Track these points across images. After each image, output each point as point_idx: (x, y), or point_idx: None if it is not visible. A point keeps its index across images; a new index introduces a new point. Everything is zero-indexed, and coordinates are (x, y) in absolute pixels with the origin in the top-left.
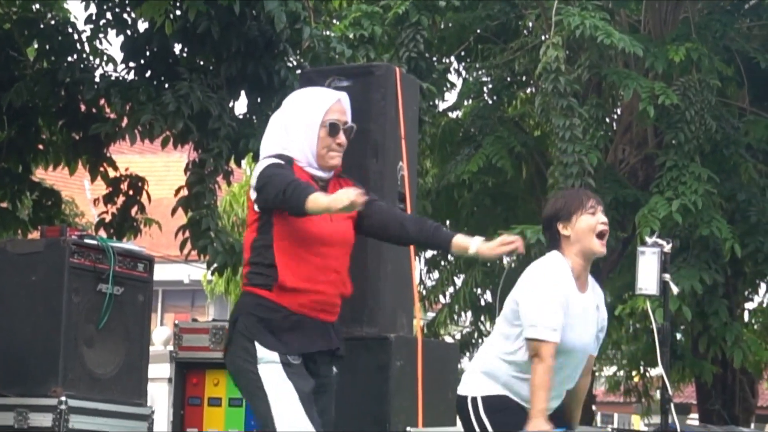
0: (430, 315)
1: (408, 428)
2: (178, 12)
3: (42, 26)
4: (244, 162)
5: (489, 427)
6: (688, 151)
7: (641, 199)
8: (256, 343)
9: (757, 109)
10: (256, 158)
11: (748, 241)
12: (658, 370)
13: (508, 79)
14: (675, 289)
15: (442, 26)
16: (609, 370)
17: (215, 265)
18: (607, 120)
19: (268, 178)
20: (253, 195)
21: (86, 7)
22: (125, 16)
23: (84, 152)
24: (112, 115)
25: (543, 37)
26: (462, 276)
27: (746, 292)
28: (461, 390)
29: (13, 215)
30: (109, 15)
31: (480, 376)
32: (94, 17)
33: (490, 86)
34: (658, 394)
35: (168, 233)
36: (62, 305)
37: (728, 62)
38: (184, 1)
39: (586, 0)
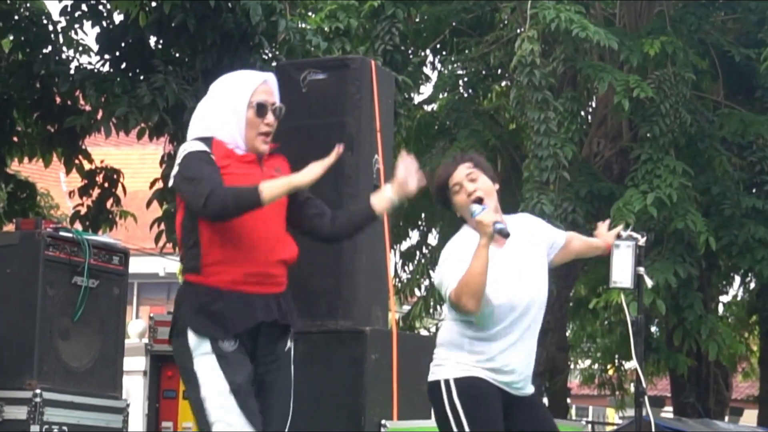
0: (406, 308)
1: (383, 421)
2: (153, 4)
3: (17, 18)
4: None
5: (461, 410)
6: (662, 145)
7: (616, 192)
8: (189, 331)
9: (732, 102)
10: None
11: (723, 234)
12: (632, 363)
13: (484, 72)
14: (649, 282)
15: (418, 19)
16: (584, 363)
17: None
18: (582, 113)
19: (190, 188)
20: (172, 183)
21: None
22: (100, 7)
23: (59, 144)
24: (87, 108)
25: (518, 30)
26: None
27: (720, 285)
28: (432, 376)
29: None
30: (84, 6)
31: (446, 354)
32: (69, 9)
33: (465, 79)
34: (632, 387)
35: (143, 226)
36: (37, 298)
37: (703, 56)
38: None
39: None
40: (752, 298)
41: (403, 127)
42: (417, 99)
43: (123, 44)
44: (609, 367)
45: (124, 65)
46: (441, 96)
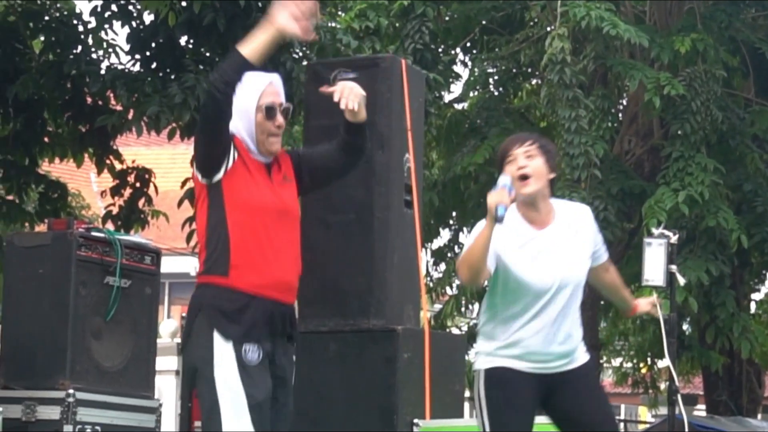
0: (437, 307)
1: (415, 420)
2: (183, 4)
3: (47, 18)
4: None
5: (483, 403)
6: (694, 142)
7: (647, 190)
8: (215, 333)
9: (763, 99)
10: None
11: (755, 232)
12: (665, 362)
13: (514, 70)
14: (681, 280)
15: (448, 17)
16: (616, 362)
17: None
18: (613, 111)
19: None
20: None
21: None
22: (130, 7)
23: (90, 145)
24: (118, 107)
25: (548, 29)
26: None
27: (753, 283)
28: (475, 366)
29: (19, 208)
30: (114, 7)
31: (479, 344)
32: (99, 9)
33: (495, 77)
34: (664, 386)
35: (175, 225)
36: (69, 298)
37: (734, 53)
38: None
39: None
40: None
41: (433, 126)
42: (447, 98)
43: (153, 44)
44: (641, 365)
45: (154, 65)
46: (471, 94)
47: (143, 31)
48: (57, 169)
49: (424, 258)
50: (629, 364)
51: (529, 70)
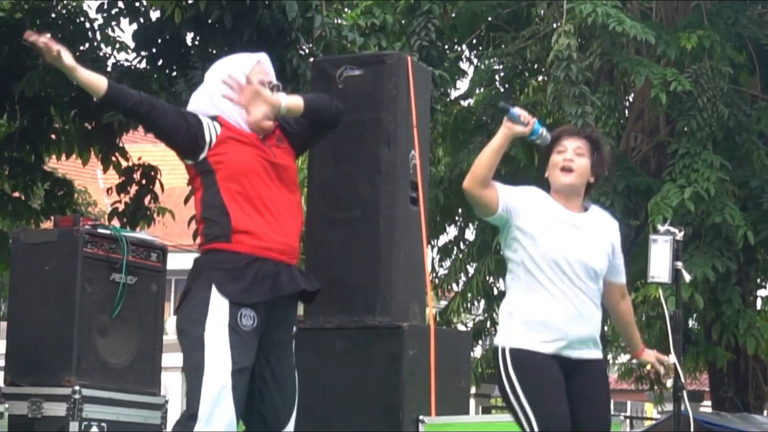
0: (443, 303)
1: (421, 417)
2: (189, 1)
3: (54, 15)
4: None
5: (517, 383)
6: (700, 139)
7: (654, 186)
8: (213, 292)
9: None
10: None
11: (761, 228)
12: (671, 358)
13: (520, 67)
14: (687, 277)
15: (454, 14)
16: (623, 358)
17: None
18: (619, 108)
19: None
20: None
21: None
22: (137, 4)
23: (96, 142)
24: None
25: (555, 25)
26: (475, 264)
27: (759, 280)
28: (496, 341)
29: (25, 205)
30: (121, 4)
31: (503, 320)
32: (105, 6)
33: (501, 74)
34: (670, 382)
35: (181, 222)
36: (75, 295)
37: (740, 49)
38: None
39: None
40: None
41: (439, 123)
42: (453, 94)
43: (159, 41)
44: None
45: (160, 62)
46: (477, 91)
47: (149, 29)
48: (63, 166)
49: (430, 255)
50: (635, 361)
51: (536, 66)
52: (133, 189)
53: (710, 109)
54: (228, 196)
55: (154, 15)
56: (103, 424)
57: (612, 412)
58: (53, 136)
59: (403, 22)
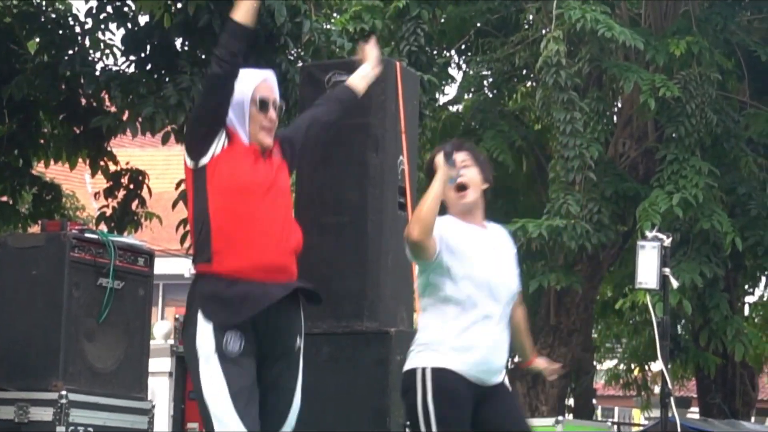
0: None
1: (408, 422)
2: (178, 5)
3: (43, 20)
4: None
5: (432, 410)
6: (688, 145)
7: (642, 192)
8: (198, 317)
9: (758, 102)
10: None
11: (749, 235)
12: (658, 364)
13: (509, 72)
14: (675, 283)
15: (443, 20)
16: (610, 363)
17: None
18: (608, 113)
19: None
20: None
21: (87, 0)
22: (126, 9)
23: (85, 146)
24: (113, 109)
25: (543, 31)
26: None
27: (747, 286)
28: (406, 366)
29: (13, 209)
30: (109, 8)
31: (422, 343)
32: (94, 10)
33: (490, 80)
34: (657, 388)
35: (169, 227)
36: (63, 299)
37: (729, 56)
38: None
39: None
40: None
41: (428, 128)
42: (442, 100)
43: (148, 46)
44: (634, 367)
45: (149, 67)
46: (466, 97)
47: (138, 33)
48: (51, 170)
49: None
50: (622, 366)
51: (524, 72)
52: (121, 193)
53: (698, 115)
54: (215, 211)
55: (143, 19)
56: (90, 429)
57: (599, 418)
58: (42, 141)
59: (392, 27)
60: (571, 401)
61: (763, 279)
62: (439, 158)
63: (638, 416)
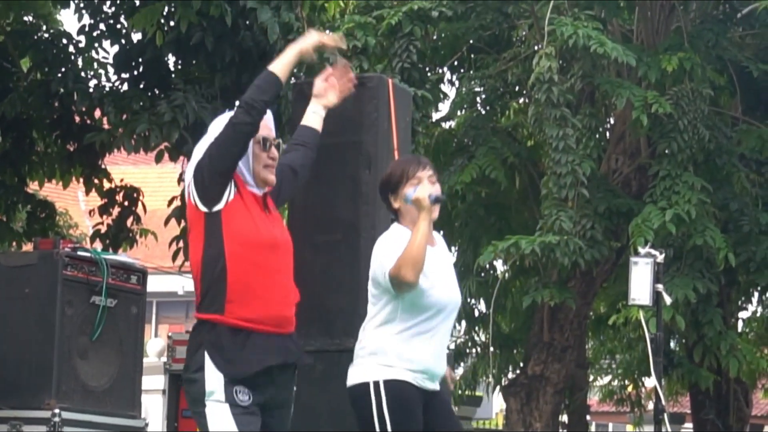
0: None
1: None
2: (171, 23)
3: (36, 38)
4: None
5: (388, 419)
6: (681, 161)
7: (635, 208)
8: (207, 368)
9: (750, 118)
10: None
11: (741, 251)
12: (652, 380)
13: (501, 89)
14: (668, 299)
15: (435, 37)
16: (604, 380)
17: None
18: (600, 130)
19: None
20: (191, 184)
21: (79, 18)
22: (118, 26)
23: (79, 163)
24: (107, 126)
25: (536, 47)
26: None
27: (740, 301)
28: (355, 378)
29: (7, 227)
30: (102, 26)
31: (372, 358)
32: (87, 28)
33: (483, 96)
34: (651, 404)
35: (162, 244)
36: (55, 317)
37: (721, 71)
38: (177, 13)
39: (578, 10)
40: None
41: (421, 145)
42: (435, 116)
43: (141, 63)
44: (628, 383)
45: (142, 84)
46: (459, 113)
47: (130, 50)
48: (45, 188)
49: None
50: (616, 382)
51: (517, 88)
52: (116, 211)
53: (691, 131)
54: (232, 260)
55: (136, 37)
56: None
57: None
58: (35, 158)
59: (384, 44)
60: (564, 417)
61: (756, 294)
62: (425, 199)
63: None
